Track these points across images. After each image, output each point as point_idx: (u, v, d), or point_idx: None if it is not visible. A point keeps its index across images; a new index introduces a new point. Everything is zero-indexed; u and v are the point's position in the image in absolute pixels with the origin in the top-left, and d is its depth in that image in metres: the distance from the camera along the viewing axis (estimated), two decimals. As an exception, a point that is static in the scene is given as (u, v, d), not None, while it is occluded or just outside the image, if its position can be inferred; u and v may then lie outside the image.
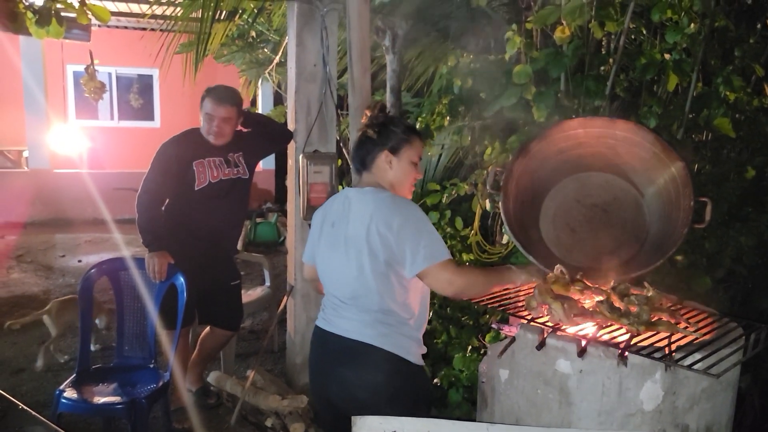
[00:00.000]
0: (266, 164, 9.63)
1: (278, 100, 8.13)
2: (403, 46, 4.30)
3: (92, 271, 2.86)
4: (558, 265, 2.09)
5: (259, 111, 8.83)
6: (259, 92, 8.83)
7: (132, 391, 2.64)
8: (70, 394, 2.57)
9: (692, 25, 2.69)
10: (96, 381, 2.72)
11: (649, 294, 2.02)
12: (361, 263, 1.82)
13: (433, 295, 3.38)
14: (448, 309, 3.36)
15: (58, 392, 2.57)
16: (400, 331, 1.85)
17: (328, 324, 1.93)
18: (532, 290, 2.08)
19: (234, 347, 3.78)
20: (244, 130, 3.21)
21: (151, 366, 2.82)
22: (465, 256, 3.44)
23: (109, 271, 2.90)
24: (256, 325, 4.81)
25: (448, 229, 3.56)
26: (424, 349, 1.95)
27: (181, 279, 2.79)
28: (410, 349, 1.87)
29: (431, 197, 3.56)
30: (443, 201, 3.52)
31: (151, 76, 10.67)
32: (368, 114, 1.98)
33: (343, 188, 2.40)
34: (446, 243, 3.45)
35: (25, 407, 2.00)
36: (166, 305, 2.82)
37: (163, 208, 3.04)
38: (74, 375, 2.71)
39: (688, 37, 2.68)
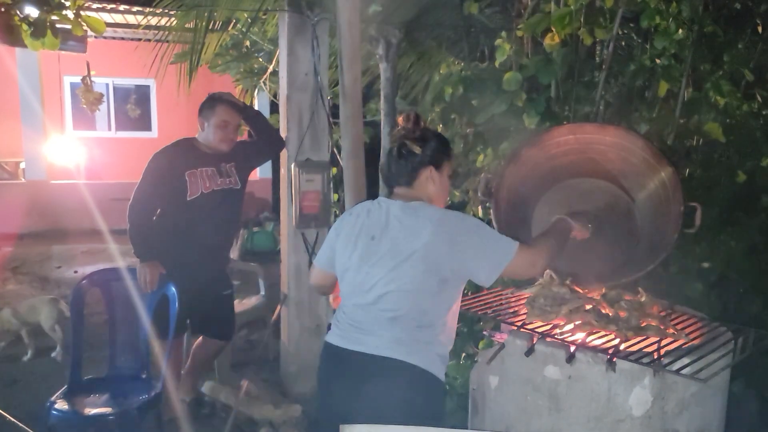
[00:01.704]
0: (263, 173, 9.62)
1: (274, 109, 8.13)
2: (396, 55, 4.31)
3: (83, 282, 2.85)
4: (547, 270, 2.10)
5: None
6: (255, 102, 8.84)
7: (124, 401, 2.62)
8: (61, 405, 2.55)
9: (680, 30, 2.71)
10: (87, 392, 2.70)
11: (643, 299, 2.03)
12: (411, 279, 1.74)
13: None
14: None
15: (49, 404, 2.55)
16: (433, 348, 1.78)
17: (346, 341, 1.81)
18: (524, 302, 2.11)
19: (229, 356, 3.77)
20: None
21: (144, 376, 2.81)
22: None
23: (100, 281, 2.90)
24: (251, 334, 4.79)
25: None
26: (446, 366, 1.88)
27: (173, 289, 2.78)
28: (440, 366, 1.80)
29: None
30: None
31: (148, 87, 10.69)
32: (402, 124, 1.91)
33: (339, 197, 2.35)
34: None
35: (15, 420, 2.00)
36: (158, 315, 2.81)
37: (154, 218, 3.04)
38: (66, 386, 2.70)
39: (677, 43, 2.70)
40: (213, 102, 3.06)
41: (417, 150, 1.82)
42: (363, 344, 1.77)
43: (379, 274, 1.77)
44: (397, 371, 1.73)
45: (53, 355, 4.20)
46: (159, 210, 3.04)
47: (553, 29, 2.75)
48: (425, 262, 1.72)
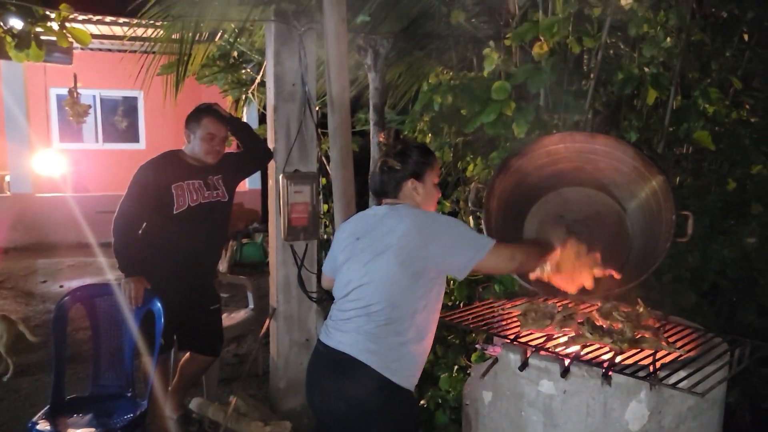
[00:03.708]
0: (253, 184, 9.58)
1: (263, 120, 8.11)
2: (385, 65, 4.30)
3: (66, 298, 2.79)
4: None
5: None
6: (244, 113, 8.82)
7: (108, 421, 2.55)
8: (43, 426, 2.48)
9: (668, 39, 2.71)
10: (70, 412, 2.63)
11: (641, 310, 2.00)
12: (384, 271, 1.84)
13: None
14: (434, 328, 3.31)
15: (30, 425, 2.48)
16: (395, 352, 1.83)
17: (327, 337, 1.95)
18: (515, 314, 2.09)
19: (217, 372, 3.70)
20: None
21: (128, 395, 2.74)
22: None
23: (83, 297, 2.83)
24: (240, 348, 4.73)
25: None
26: (415, 377, 1.91)
27: (158, 304, 2.72)
28: (399, 371, 1.84)
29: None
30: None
31: (136, 98, 10.64)
32: (383, 141, 2.03)
33: (328, 207, 2.39)
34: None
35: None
36: (144, 331, 2.75)
37: (140, 232, 2.98)
38: (48, 406, 2.63)
39: (665, 51, 2.69)
40: (199, 114, 3.01)
41: (398, 166, 1.96)
42: (333, 339, 1.90)
43: (356, 269, 1.90)
44: (350, 369, 1.84)
45: (5, 379, 4.04)
46: (145, 224, 2.99)
47: (542, 38, 2.74)
48: (399, 255, 1.82)
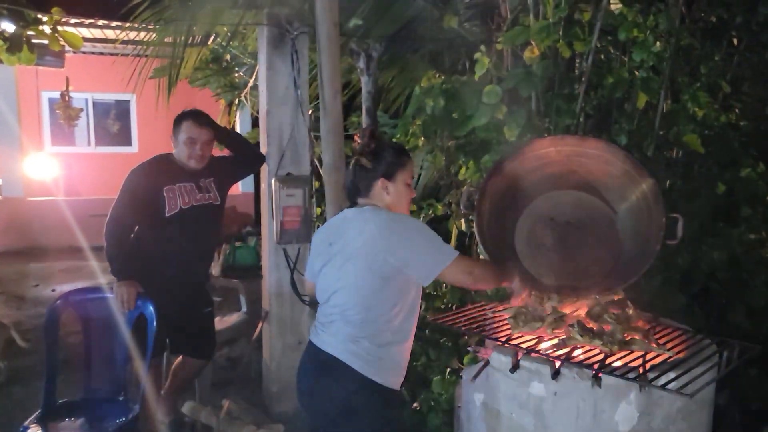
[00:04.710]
0: (246, 187, 9.56)
1: (256, 123, 8.11)
2: (377, 68, 4.31)
3: (58, 302, 2.78)
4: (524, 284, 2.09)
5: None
6: (237, 117, 8.81)
7: (100, 426, 2.56)
8: (35, 430, 2.48)
9: (658, 43, 2.73)
10: (62, 416, 2.62)
11: (630, 312, 2.02)
12: (355, 275, 1.87)
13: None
14: (427, 331, 3.32)
15: (21, 429, 2.48)
16: (374, 353, 1.86)
17: (315, 337, 2.00)
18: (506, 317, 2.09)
19: (210, 376, 3.69)
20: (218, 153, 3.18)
21: (121, 399, 2.74)
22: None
23: (75, 301, 2.83)
24: (233, 352, 4.71)
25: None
26: (399, 376, 1.94)
27: (151, 308, 2.72)
28: (381, 372, 1.87)
29: (408, 218, 3.53)
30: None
31: (128, 102, 10.59)
32: (358, 141, 2.03)
33: (321, 211, 2.40)
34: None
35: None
36: (136, 335, 2.74)
37: (132, 236, 2.97)
38: (39, 410, 2.61)
39: (655, 56, 2.71)
40: (179, 119, 3.00)
41: (369, 165, 1.97)
42: (320, 340, 1.95)
43: (332, 274, 1.95)
44: (333, 369, 1.88)
45: None
46: (137, 227, 2.98)
47: (533, 42, 2.76)
48: (366, 259, 1.86)
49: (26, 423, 2.52)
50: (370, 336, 1.86)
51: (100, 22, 7.07)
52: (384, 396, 1.88)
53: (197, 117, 3.01)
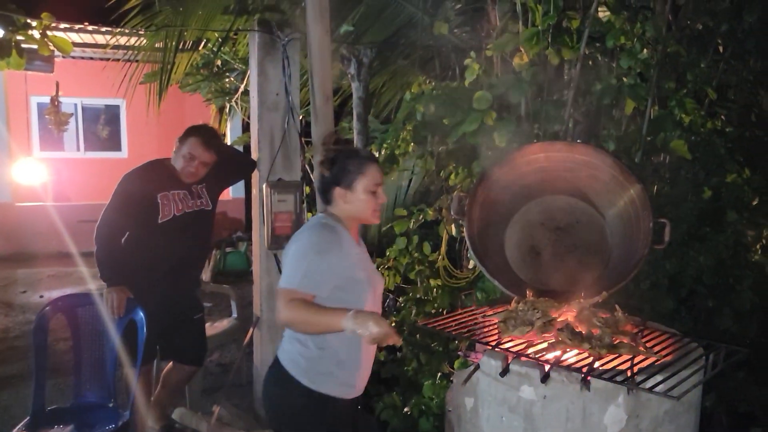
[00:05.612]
0: (236, 192, 9.53)
1: (247, 128, 8.09)
2: (368, 74, 4.34)
3: (46, 308, 2.76)
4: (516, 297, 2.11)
5: (228, 141, 8.76)
6: (228, 123, 8.79)
7: (89, 432, 2.54)
8: (23, 437, 2.46)
9: (645, 50, 2.77)
10: (51, 423, 2.59)
11: (619, 316, 2.04)
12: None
13: (403, 322, 3.38)
14: (418, 336, 3.33)
15: (10, 436, 2.46)
16: (305, 361, 1.89)
17: None
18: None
19: (200, 382, 3.68)
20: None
21: (110, 405, 2.72)
22: (433, 282, 3.42)
23: (64, 307, 2.81)
24: (224, 357, 4.70)
25: (416, 255, 3.54)
26: (336, 384, 1.90)
27: (141, 314, 2.71)
28: (310, 374, 1.88)
29: (398, 224, 3.55)
30: (411, 227, 3.52)
31: (118, 107, 10.54)
32: (323, 147, 1.99)
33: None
34: (414, 268, 3.51)
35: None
36: (126, 341, 2.73)
37: (122, 241, 2.96)
38: (28, 418, 2.59)
39: (642, 62, 2.75)
40: (188, 132, 2.98)
41: (326, 173, 1.93)
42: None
43: None
44: (272, 368, 1.98)
45: None
46: (127, 233, 2.97)
47: (522, 49, 2.79)
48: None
49: (15, 430, 2.49)
50: (297, 344, 1.90)
51: (90, 27, 7.04)
52: (321, 402, 1.87)
53: (208, 138, 2.98)
